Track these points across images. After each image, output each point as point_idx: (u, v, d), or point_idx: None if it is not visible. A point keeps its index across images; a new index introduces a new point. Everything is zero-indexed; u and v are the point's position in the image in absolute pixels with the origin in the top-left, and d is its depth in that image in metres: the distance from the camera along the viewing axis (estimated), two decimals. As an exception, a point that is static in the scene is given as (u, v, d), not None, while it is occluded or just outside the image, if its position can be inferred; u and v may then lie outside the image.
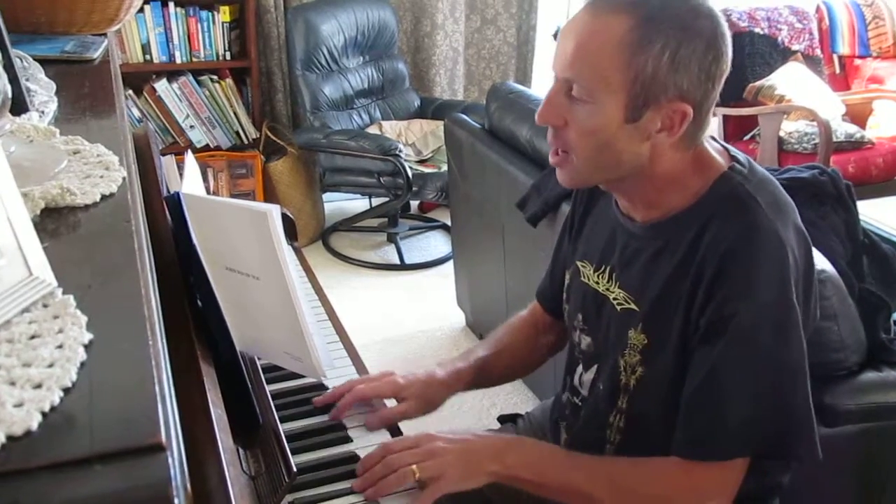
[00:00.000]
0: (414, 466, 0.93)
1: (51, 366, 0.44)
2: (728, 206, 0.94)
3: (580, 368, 1.14)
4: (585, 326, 1.12)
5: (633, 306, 1.01)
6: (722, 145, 1.02)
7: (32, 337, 0.47)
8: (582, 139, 0.94)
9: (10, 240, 0.48)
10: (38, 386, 0.42)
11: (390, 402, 1.13)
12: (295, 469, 0.83)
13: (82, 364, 0.45)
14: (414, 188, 3.06)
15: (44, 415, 0.41)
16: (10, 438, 0.39)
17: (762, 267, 0.90)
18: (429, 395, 1.12)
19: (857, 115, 3.52)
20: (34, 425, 0.40)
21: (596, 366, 1.10)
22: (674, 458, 0.95)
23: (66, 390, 0.43)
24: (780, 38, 3.66)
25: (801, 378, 0.93)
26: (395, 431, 1.08)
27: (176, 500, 0.37)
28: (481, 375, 1.20)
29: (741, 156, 1.01)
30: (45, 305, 0.49)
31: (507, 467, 0.97)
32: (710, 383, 0.92)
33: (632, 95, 0.90)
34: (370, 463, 0.96)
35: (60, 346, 0.45)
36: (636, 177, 0.97)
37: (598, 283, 1.09)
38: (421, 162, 3.35)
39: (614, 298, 1.05)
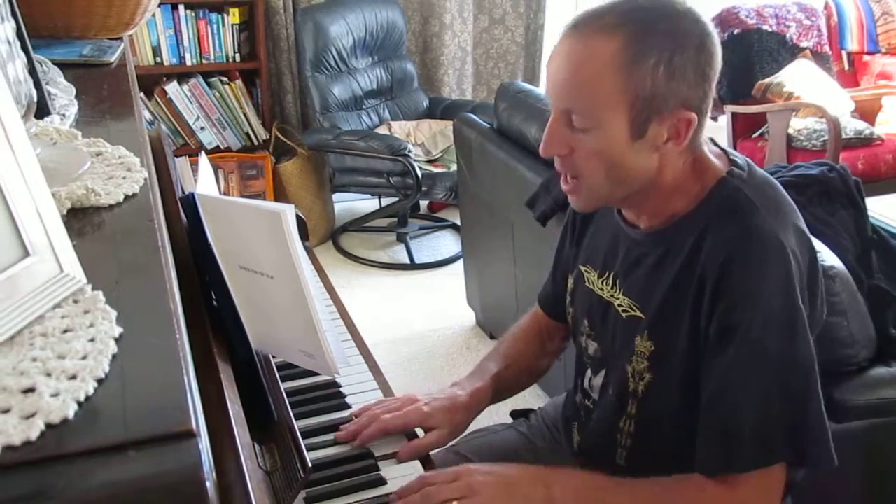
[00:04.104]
0: (455, 503, 0.91)
1: (84, 358, 0.46)
2: (726, 211, 0.93)
3: (589, 373, 1.14)
4: (592, 332, 1.12)
5: (638, 313, 1.01)
6: (721, 148, 1.01)
7: (65, 331, 0.49)
8: (590, 163, 0.93)
9: (41, 238, 0.50)
10: (73, 377, 0.44)
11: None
12: (310, 464, 0.84)
13: (114, 356, 0.47)
14: (423, 188, 3.08)
15: (79, 404, 0.43)
16: (48, 426, 0.41)
17: (764, 274, 0.89)
18: (455, 422, 1.10)
19: (867, 112, 3.52)
20: (70, 414, 0.42)
21: (604, 370, 1.10)
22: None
23: (100, 381, 0.45)
24: (788, 35, 3.65)
25: (813, 382, 0.91)
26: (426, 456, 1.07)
27: (207, 484, 0.39)
28: (498, 391, 1.19)
29: (740, 158, 1.00)
30: (75, 301, 0.51)
31: (551, 498, 0.94)
32: (723, 395, 0.91)
33: (634, 113, 0.89)
34: (407, 493, 0.94)
35: (92, 340, 0.47)
36: (646, 188, 0.96)
37: (602, 289, 1.08)
38: (430, 162, 3.37)
39: (619, 305, 1.04)
